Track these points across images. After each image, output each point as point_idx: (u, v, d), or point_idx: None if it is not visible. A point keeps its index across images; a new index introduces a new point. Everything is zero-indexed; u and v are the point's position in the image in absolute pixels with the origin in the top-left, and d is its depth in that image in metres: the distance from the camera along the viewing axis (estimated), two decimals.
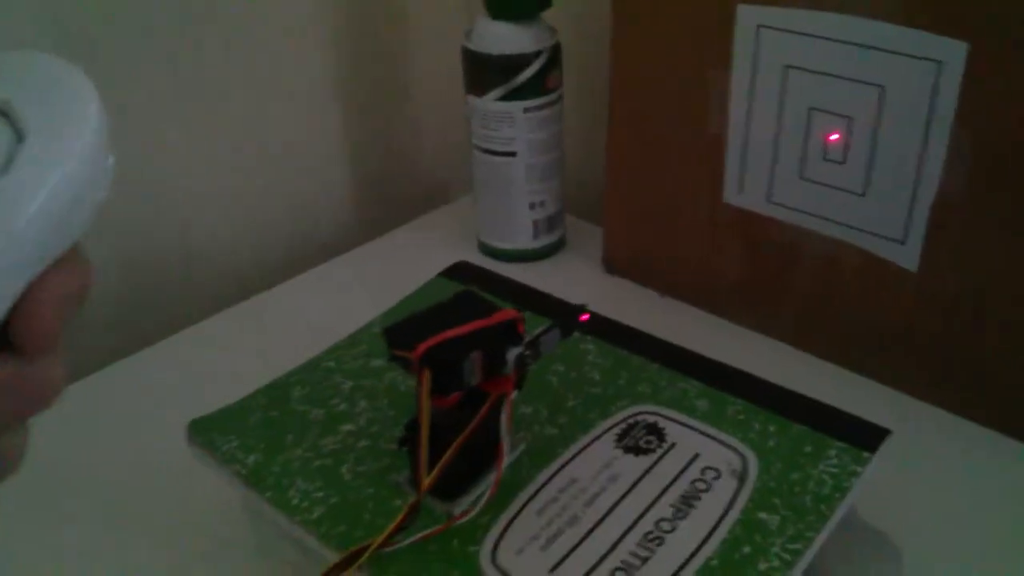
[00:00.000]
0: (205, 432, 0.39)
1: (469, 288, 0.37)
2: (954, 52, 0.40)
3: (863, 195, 0.46)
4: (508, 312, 0.35)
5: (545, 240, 0.62)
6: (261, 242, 0.66)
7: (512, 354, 0.34)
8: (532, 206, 0.60)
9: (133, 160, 0.57)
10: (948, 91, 0.41)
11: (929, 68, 0.41)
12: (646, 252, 0.57)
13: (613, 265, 0.60)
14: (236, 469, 0.37)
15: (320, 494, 0.36)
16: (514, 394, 0.34)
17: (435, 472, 0.33)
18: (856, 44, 0.43)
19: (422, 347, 0.33)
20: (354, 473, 0.37)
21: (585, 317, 0.36)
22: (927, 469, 0.43)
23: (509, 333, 0.34)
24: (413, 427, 0.34)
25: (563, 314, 0.36)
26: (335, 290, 0.60)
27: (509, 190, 0.59)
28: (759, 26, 0.46)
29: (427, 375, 0.33)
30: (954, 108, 0.41)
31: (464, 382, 0.33)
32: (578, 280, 0.60)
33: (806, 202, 0.48)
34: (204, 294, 0.62)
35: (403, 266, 0.61)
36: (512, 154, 0.58)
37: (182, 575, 0.40)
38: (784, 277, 0.51)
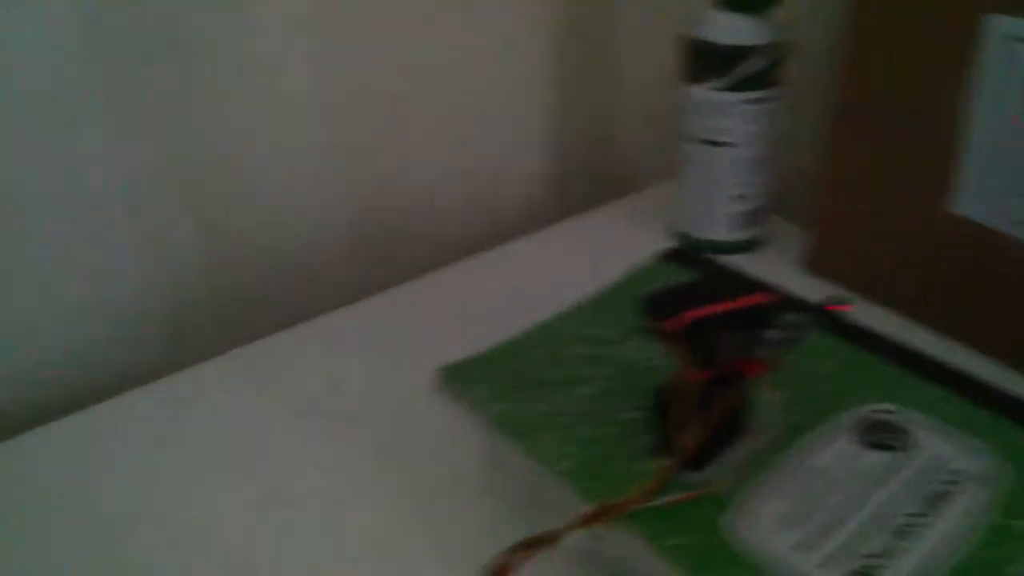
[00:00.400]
0: (455, 378, 0.42)
1: (724, 269, 0.38)
2: None
3: None
4: (766, 295, 0.36)
5: (745, 234, 0.62)
6: (463, 213, 0.69)
7: (769, 337, 0.35)
8: (737, 199, 0.61)
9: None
10: None
11: None
12: (857, 256, 0.57)
13: (816, 266, 0.60)
14: (488, 416, 0.39)
15: (568, 448, 0.38)
16: (767, 377, 0.35)
17: (696, 439, 0.34)
18: None
19: (683, 320, 0.34)
20: (596, 434, 0.38)
21: (848, 308, 0.37)
22: None
23: (765, 316, 0.35)
24: (663, 395, 0.36)
25: (820, 305, 0.37)
26: (537, 263, 0.62)
27: (717, 181, 0.60)
28: (1013, 38, 0.46)
29: (685, 348, 0.34)
30: None
31: (719, 359, 0.35)
32: (776, 277, 0.60)
33: None
34: (437, 245, 0.66)
35: (601, 247, 0.63)
36: (726, 145, 0.59)
37: (426, 510, 0.43)
38: (1017, 298, 0.50)
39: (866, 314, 0.55)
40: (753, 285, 0.36)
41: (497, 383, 0.41)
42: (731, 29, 0.56)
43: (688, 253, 0.51)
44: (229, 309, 0.60)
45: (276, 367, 0.52)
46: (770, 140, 0.59)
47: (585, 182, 0.76)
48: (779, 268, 0.61)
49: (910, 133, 0.51)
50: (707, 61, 0.57)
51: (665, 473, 0.34)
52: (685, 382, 0.35)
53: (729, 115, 0.58)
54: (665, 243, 0.64)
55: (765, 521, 0.34)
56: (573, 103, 0.73)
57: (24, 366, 0.52)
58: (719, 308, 0.35)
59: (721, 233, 0.62)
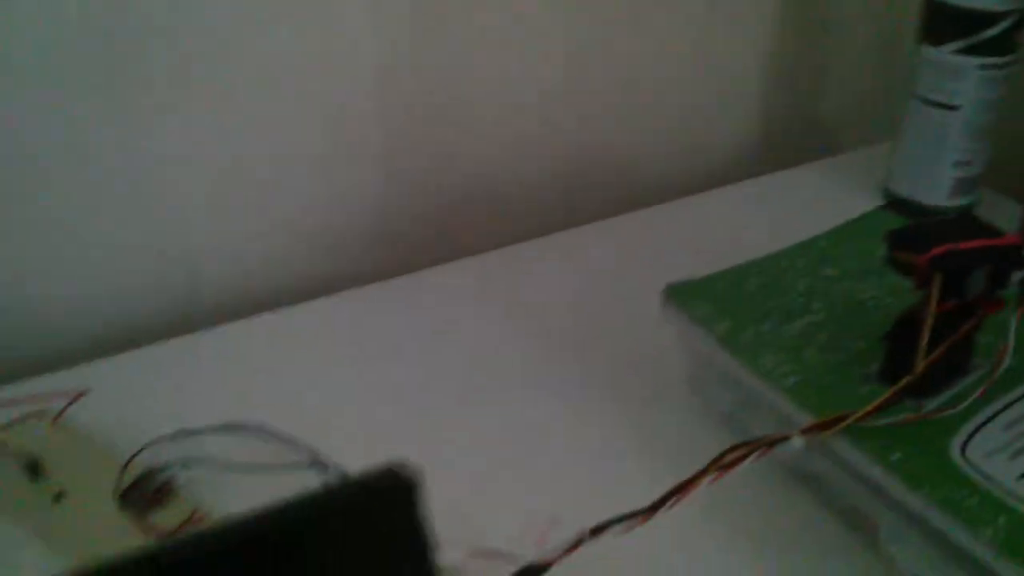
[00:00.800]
0: (681, 296, 0.45)
1: (970, 212, 0.39)
2: None
3: None
4: (1013, 237, 0.37)
5: (959, 201, 0.62)
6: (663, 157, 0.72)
7: (1015, 277, 0.36)
8: (957, 164, 0.61)
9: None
10: None
11: None
12: None
13: None
14: (711, 332, 0.43)
15: (788, 367, 0.40)
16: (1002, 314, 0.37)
17: (929, 365, 0.36)
18: None
19: (933, 251, 0.36)
20: (818, 358, 0.41)
21: None
22: None
23: (1014, 257, 0.37)
24: (901, 323, 0.38)
25: None
26: (746, 211, 0.64)
27: (941, 144, 0.60)
28: None
29: (937, 278, 0.36)
30: None
31: (967, 292, 0.36)
32: None
33: None
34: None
35: (810, 201, 0.65)
36: (955, 108, 0.59)
37: (638, 420, 0.47)
38: None
39: None
40: (997, 230, 0.38)
41: (722, 303, 0.44)
42: None
43: (909, 206, 0.52)
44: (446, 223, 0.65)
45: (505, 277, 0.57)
46: (996, 106, 0.59)
47: (794, 138, 0.77)
48: None
49: None
50: (949, 22, 0.57)
51: (896, 393, 0.36)
52: (928, 311, 0.37)
53: (963, 79, 0.58)
54: (876, 203, 0.64)
55: (987, 449, 0.36)
56: (789, 55, 0.74)
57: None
58: (974, 244, 0.37)
59: (936, 198, 0.62)
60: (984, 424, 0.37)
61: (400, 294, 0.56)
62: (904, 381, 0.36)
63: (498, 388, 0.48)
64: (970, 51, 0.57)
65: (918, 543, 0.36)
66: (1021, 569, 0.31)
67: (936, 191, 0.62)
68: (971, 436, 0.36)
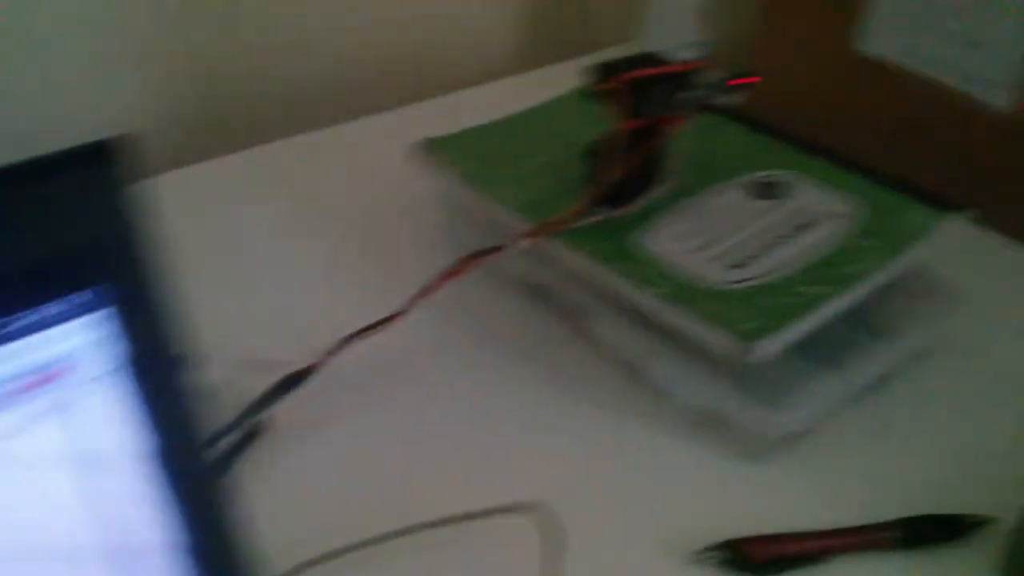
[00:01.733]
0: (434, 147, 0.51)
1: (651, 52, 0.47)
2: None
3: (977, 44, 0.55)
4: (689, 63, 0.45)
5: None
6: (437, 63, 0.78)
7: (688, 95, 0.45)
8: (690, 46, 0.70)
9: None
10: None
11: None
12: (785, 94, 0.66)
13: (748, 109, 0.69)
14: (459, 172, 0.49)
15: (523, 195, 0.48)
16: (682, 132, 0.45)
17: (618, 173, 0.44)
18: None
19: (624, 76, 0.44)
20: (547, 183, 0.48)
21: (755, 79, 0.47)
22: (999, 284, 0.53)
23: (687, 79, 0.45)
24: (597, 143, 0.46)
25: (726, 76, 0.47)
26: (495, 104, 0.71)
27: (669, 27, 0.69)
28: None
29: (627, 97, 0.44)
30: None
31: (649, 110, 0.45)
32: None
33: (933, 53, 0.57)
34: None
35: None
36: None
37: (394, 255, 0.53)
38: (908, 122, 0.60)
39: None
40: (679, 60, 0.46)
41: (470, 151, 0.51)
42: None
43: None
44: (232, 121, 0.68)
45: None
46: None
47: (553, 42, 0.85)
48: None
49: None
50: None
51: (589, 198, 0.44)
52: (618, 130, 0.45)
53: None
54: None
55: (666, 235, 0.44)
56: None
57: None
58: (650, 71, 0.45)
59: None
60: (668, 220, 0.45)
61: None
62: (593, 191, 0.44)
63: (277, 240, 0.54)
64: None
65: (615, 320, 0.44)
66: (681, 309, 0.40)
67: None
68: (656, 229, 0.45)
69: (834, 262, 0.42)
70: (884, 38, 0.60)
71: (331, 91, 0.72)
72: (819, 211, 0.46)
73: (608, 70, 0.45)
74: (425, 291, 0.44)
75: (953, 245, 0.45)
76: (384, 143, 0.57)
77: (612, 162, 0.45)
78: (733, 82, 0.46)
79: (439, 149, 0.51)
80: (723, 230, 0.45)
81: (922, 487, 0.40)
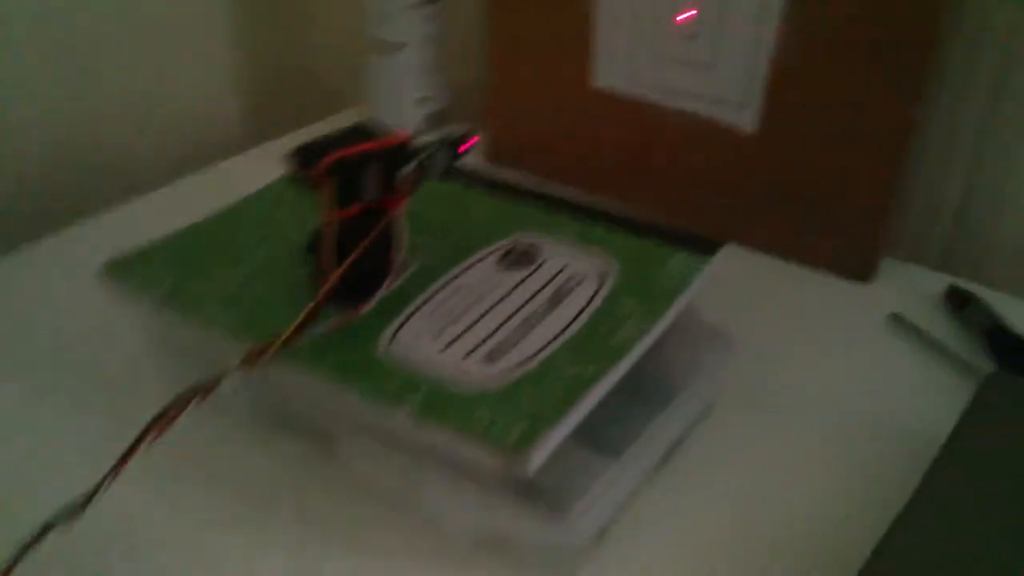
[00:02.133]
0: (120, 269, 0.43)
1: (364, 120, 0.41)
2: None
3: (712, 67, 0.53)
4: (399, 135, 0.40)
5: (432, 137, 0.66)
6: (156, 144, 0.69)
7: (406, 169, 0.39)
8: (419, 102, 0.65)
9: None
10: None
11: None
12: (527, 137, 0.63)
13: (496, 154, 0.65)
14: (155, 295, 0.41)
15: (233, 310, 0.40)
16: (404, 206, 0.39)
17: (340, 269, 0.38)
18: None
19: (324, 161, 0.37)
20: (262, 293, 0.41)
21: (474, 139, 0.42)
22: (762, 296, 0.50)
23: (402, 152, 0.39)
24: (317, 236, 0.39)
25: (454, 138, 0.42)
26: (232, 188, 0.63)
27: (398, 85, 0.64)
28: None
29: (331, 184, 0.37)
30: None
31: (362, 195, 0.38)
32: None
33: (665, 79, 0.55)
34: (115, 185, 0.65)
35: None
36: (402, 47, 0.63)
37: (105, 401, 0.44)
38: (649, 150, 0.57)
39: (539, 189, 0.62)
40: (390, 133, 0.40)
41: (165, 264, 0.43)
42: None
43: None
44: None
45: None
46: (443, 40, 0.64)
47: (287, 106, 0.78)
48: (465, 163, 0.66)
49: (553, 10, 0.58)
50: None
51: (315, 304, 0.37)
52: (332, 221, 0.38)
53: (402, 18, 0.62)
54: None
55: (412, 335, 0.38)
56: (264, 24, 0.75)
57: None
58: (358, 149, 0.39)
59: None
60: (409, 317, 0.39)
61: None
62: (315, 300, 0.37)
63: None
64: None
65: (368, 444, 0.38)
66: (438, 424, 0.34)
67: (407, 130, 0.66)
68: (401, 327, 0.39)
69: (598, 332, 0.38)
70: (616, 72, 0.57)
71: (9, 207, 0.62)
72: (575, 274, 0.41)
73: (309, 153, 0.38)
74: (126, 457, 0.35)
75: (720, 279, 0.42)
76: (76, 264, 0.48)
77: (334, 258, 0.38)
78: (460, 147, 0.41)
79: (127, 270, 0.43)
80: (475, 315, 0.39)
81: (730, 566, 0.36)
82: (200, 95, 0.71)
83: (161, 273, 0.42)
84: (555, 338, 0.37)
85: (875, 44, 0.47)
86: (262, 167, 0.64)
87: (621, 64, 0.56)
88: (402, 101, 0.64)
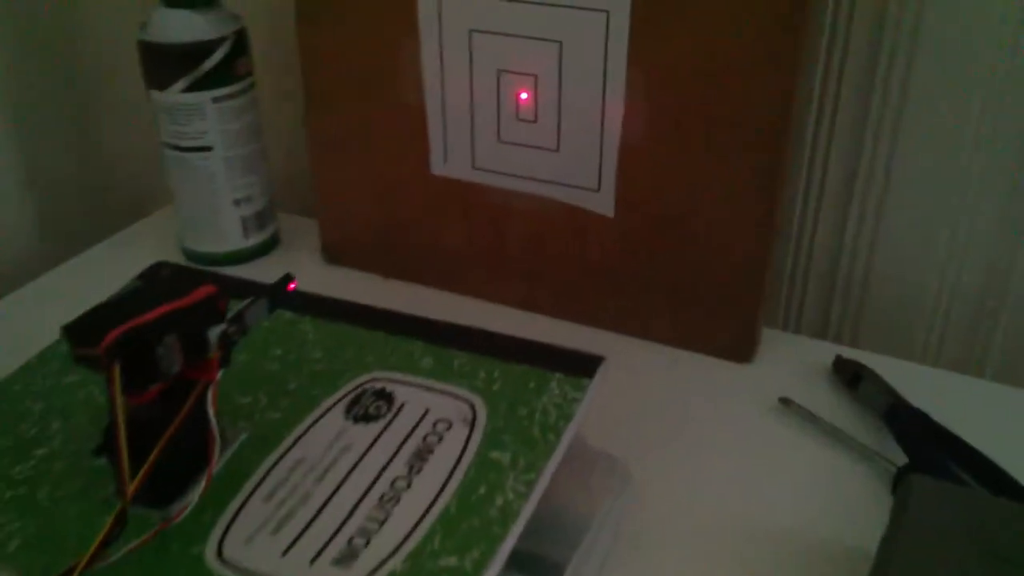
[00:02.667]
0: None
1: (160, 268, 0.34)
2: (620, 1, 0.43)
3: (557, 151, 0.48)
4: (204, 289, 0.32)
5: (256, 238, 0.59)
6: None
7: (214, 333, 0.32)
8: (237, 203, 0.57)
9: None
10: (618, 38, 0.44)
11: (599, 18, 0.44)
12: (364, 235, 0.57)
13: (332, 253, 0.59)
14: None
15: (16, 526, 0.32)
16: (220, 375, 0.32)
17: (140, 475, 0.30)
18: (533, 2, 0.45)
19: (107, 338, 0.30)
20: (53, 498, 0.33)
21: (292, 285, 0.35)
22: (644, 396, 0.46)
23: (208, 312, 0.32)
24: (111, 431, 0.31)
25: (269, 286, 0.35)
26: (24, 324, 0.54)
27: (210, 188, 0.56)
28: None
29: (116, 369, 0.30)
30: (626, 53, 0.44)
31: (162, 372, 0.31)
32: (298, 275, 0.58)
33: (508, 164, 0.50)
34: None
35: (103, 287, 0.56)
36: (207, 149, 0.55)
37: None
38: (501, 239, 0.52)
39: (389, 293, 0.56)
40: (195, 281, 0.33)
41: None
42: (180, 27, 0.52)
43: (170, 267, 0.46)
44: None
45: None
46: (255, 135, 0.57)
47: (86, 217, 0.69)
48: (300, 266, 0.59)
49: (377, 101, 0.52)
50: (163, 63, 0.53)
51: (115, 521, 0.30)
52: (131, 408, 0.30)
53: (202, 117, 0.54)
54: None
55: (247, 534, 0.31)
56: (47, 140, 0.65)
57: None
58: (155, 314, 0.31)
59: (230, 242, 0.58)
60: (242, 506, 0.32)
61: None
62: (115, 514, 0.29)
63: None
64: (197, 87, 0.53)
65: None
66: None
67: (227, 237, 0.58)
68: (230, 524, 0.31)
69: (474, 501, 0.32)
70: (455, 159, 0.52)
71: None
72: (439, 420, 0.35)
73: (88, 328, 0.31)
74: None
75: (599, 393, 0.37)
76: None
77: (134, 454, 0.31)
78: (276, 300, 0.34)
79: None
80: (322, 496, 0.32)
81: None
82: None
83: None
84: (423, 517, 0.31)
85: (729, 118, 0.44)
86: (62, 293, 0.56)
87: (460, 151, 0.51)
88: (210, 205, 0.57)
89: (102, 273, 0.58)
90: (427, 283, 0.56)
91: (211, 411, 0.31)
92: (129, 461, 0.30)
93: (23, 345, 0.50)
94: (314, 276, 0.58)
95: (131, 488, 0.30)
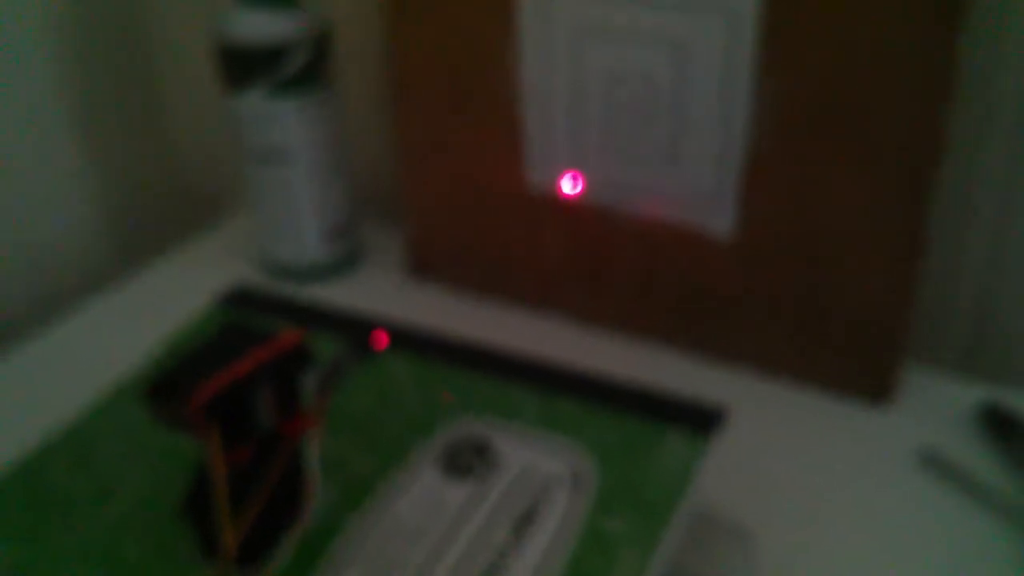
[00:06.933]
0: None
1: (234, 319, 0.34)
2: (745, 2, 0.42)
3: (671, 161, 0.47)
4: (290, 335, 0.33)
5: (338, 250, 0.59)
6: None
7: (308, 382, 0.32)
8: (317, 215, 0.58)
9: None
10: (744, 42, 0.42)
11: (722, 21, 0.43)
12: (455, 248, 0.57)
13: (420, 269, 0.59)
14: None
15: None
16: (319, 427, 0.32)
17: (240, 534, 0.30)
18: (649, 4, 0.44)
19: (201, 398, 0.30)
20: (141, 550, 0.33)
21: (383, 341, 0.35)
22: (769, 446, 0.44)
23: (299, 359, 0.32)
24: (199, 490, 0.32)
25: (359, 332, 0.35)
26: (93, 339, 0.55)
27: (290, 198, 0.57)
28: None
29: (215, 429, 0.30)
30: (752, 55, 0.42)
31: (258, 428, 0.31)
32: (382, 292, 0.58)
33: (616, 175, 0.49)
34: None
35: (175, 300, 0.58)
36: (288, 156, 0.55)
37: None
38: (603, 255, 0.51)
39: (481, 312, 0.55)
40: (269, 333, 0.33)
41: (4, 524, 0.35)
42: (260, 27, 0.53)
43: (251, 291, 0.47)
44: None
45: None
46: (338, 143, 0.57)
47: (155, 226, 0.70)
48: (384, 282, 0.59)
49: (474, 106, 0.51)
50: (242, 67, 0.53)
51: None
52: (220, 469, 0.31)
53: (283, 124, 0.54)
54: (255, 280, 0.60)
55: None
56: (119, 142, 0.67)
57: None
58: (245, 366, 0.31)
59: (310, 256, 0.59)
60: (334, 565, 0.32)
61: None
62: (215, 560, 0.30)
63: None
64: (279, 93, 0.54)
65: None
66: None
67: (307, 250, 0.58)
68: None
69: (585, 574, 0.31)
70: (555, 171, 0.51)
71: None
72: (543, 481, 0.35)
73: (173, 388, 0.31)
74: None
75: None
76: None
77: (227, 516, 0.31)
78: (368, 349, 0.34)
79: None
80: (422, 565, 0.32)
81: None
82: (55, 224, 0.63)
83: (1, 534, 0.34)
84: None
85: (870, 122, 0.42)
86: (135, 307, 0.57)
87: (562, 159, 0.50)
88: (292, 216, 0.57)
89: (175, 288, 0.59)
90: (521, 301, 0.55)
91: (313, 463, 0.31)
92: (229, 521, 0.31)
93: (96, 365, 0.52)
94: (400, 295, 0.58)
95: (231, 550, 0.30)
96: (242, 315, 0.45)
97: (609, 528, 0.33)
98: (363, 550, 0.33)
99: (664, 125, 0.46)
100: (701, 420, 0.37)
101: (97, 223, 0.66)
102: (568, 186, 0.46)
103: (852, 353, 0.46)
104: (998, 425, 0.44)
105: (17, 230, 0.61)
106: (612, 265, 0.52)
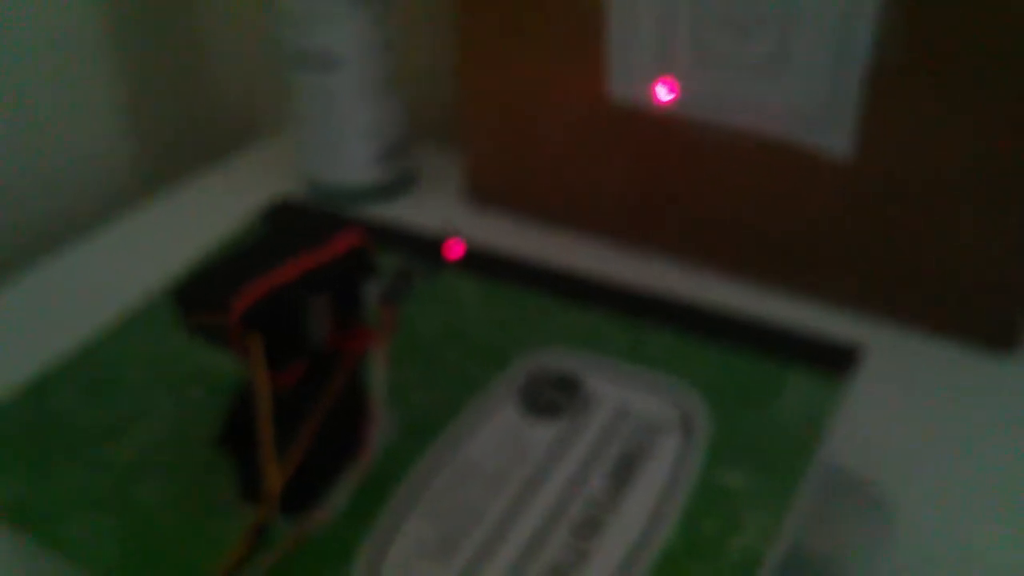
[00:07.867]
0: None
1: (288, 217, 0.29)
2: None
3: (778, 71, 0.41)
4: (349, 236, 0.27)
5: (390, 171, 0.54)
6: (18, 211, 0.56)
7: (373, 291, 0.27)
8: (368, 131, 0.52)
9: None
10: None
11: None
12: (517, 171, 0.51)
13: (478, 193, 0.53)
14: None
15: (111, 524, 0.28)
16: (384, 345, 0.27)
17: (288, 471, 0.25)
18: None
19: (240, 304, 0.25)
20: (159, 494, 0.29)
21: (458, 250, 0.30)
22: (898, 397, 0.39)
23: (359, 264, 0.27)
24: (238, 420, 0.27)
25: (429, 243, 0.30)
26: (123, 259, 0.50)
27: (337, 111, 0.51)
28: None
29: (257, 342, 0.25)
30: None
31: (310, 343, 0.26)
32: (437, 216, 0.53)
33: (712, 85, 0.43)
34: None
35: (205, 222, 0.53)
36: (336, 63, 0.50)
37: None
38: (691, 181, 0.46)
39: (544, 241, 0.50)
40: (332, 227, 0.28)
41: (10, 451, 0.30)
42: None
43: (296, 207, 0.42)
44: None
45: None
46: (391, 48, 0.52)
47: (189, 142, 0.65)
48: (438, 206, 0.54)
49: (548, 8, 0.46)
50: None
51: (255, 530, 0.25)
52: (263, 392, 0.26)
53: (335, 22, 0.49)
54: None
55: (406, 555, 0.26)
56: (146, 50, 0.62)
57: None
58: (289, 273, 0.26)
59: (358, 176, 0.53)
60: (401, 517, 0.27)
61: None
62: (256, 519, 0.25)
63: None
64: None
65: None
66: None
67: (355, 169, 0.53)
68: (387, 542, 0.27)
69: (701, 545, 0.26)
70: (640, 79, 0.45)
71: None
72: (644, 423, 0.30)
73: (206, 291, 0.26)
74: None
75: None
76: None
77: (271, 450, 0.26)
78: (442, 259, 0.29)
79: None
80: (498, 515, 0.27)
81: None
82: (81, 136, 0.58)
83: (4, 460, 0.30)
84: (635, 555, 0.26)
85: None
86: (162, 226, 0.52)
87: (647, 68, 0.44)
88: (343, 131, 0.52)
89: (209, 207, 0.54)
90: (596, 232, 0.50)
91: (378, 389, 0.26)
92: (273, 454, 0.26)
93: (120, 290, 0.47)
94: (456, 220, 0.53)
95: (274, 488, 0.25)
96: None
97: (731, 484, 0.27)
98: (431, 497, 0.28)
99: (771, 22, 0.41)
100: (830, 358, 0.31)
101: (125, 144, 0.61)
102: (663, 92, 0.40)
103: (972, 301, 0.41)
104: None
105: (40, 155, 0.56)
106: (700, 193, 0.46)
